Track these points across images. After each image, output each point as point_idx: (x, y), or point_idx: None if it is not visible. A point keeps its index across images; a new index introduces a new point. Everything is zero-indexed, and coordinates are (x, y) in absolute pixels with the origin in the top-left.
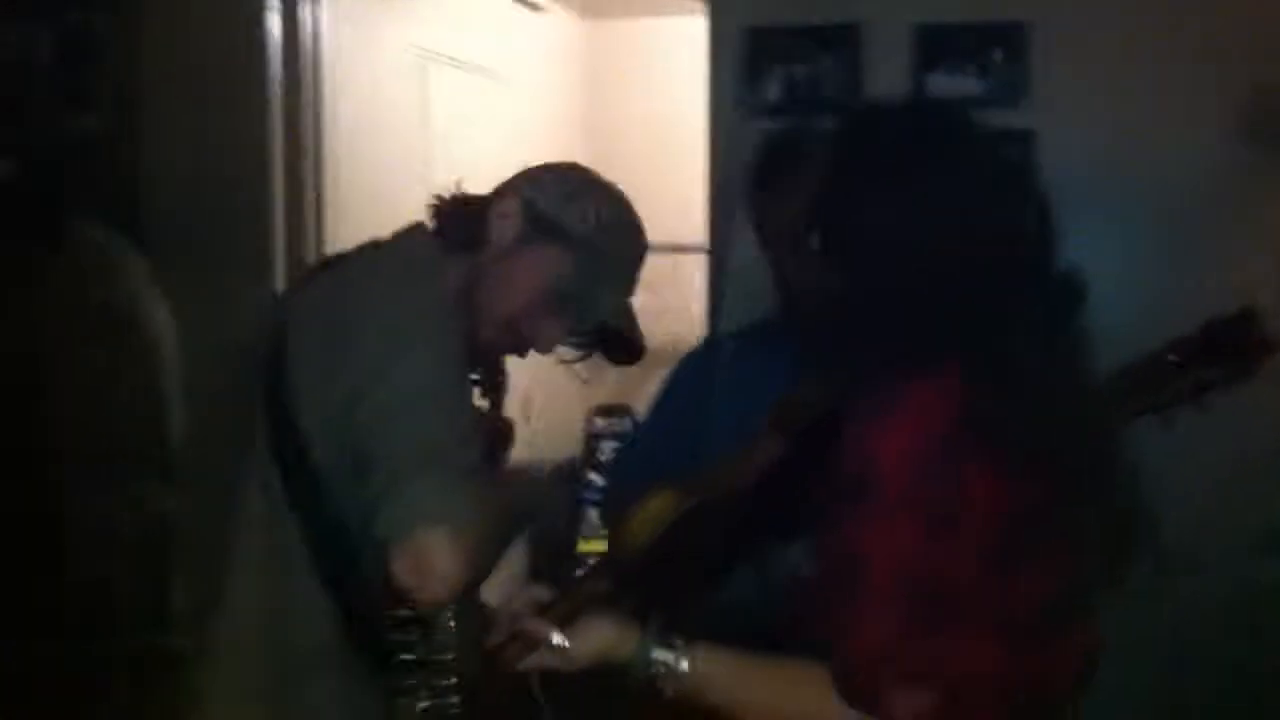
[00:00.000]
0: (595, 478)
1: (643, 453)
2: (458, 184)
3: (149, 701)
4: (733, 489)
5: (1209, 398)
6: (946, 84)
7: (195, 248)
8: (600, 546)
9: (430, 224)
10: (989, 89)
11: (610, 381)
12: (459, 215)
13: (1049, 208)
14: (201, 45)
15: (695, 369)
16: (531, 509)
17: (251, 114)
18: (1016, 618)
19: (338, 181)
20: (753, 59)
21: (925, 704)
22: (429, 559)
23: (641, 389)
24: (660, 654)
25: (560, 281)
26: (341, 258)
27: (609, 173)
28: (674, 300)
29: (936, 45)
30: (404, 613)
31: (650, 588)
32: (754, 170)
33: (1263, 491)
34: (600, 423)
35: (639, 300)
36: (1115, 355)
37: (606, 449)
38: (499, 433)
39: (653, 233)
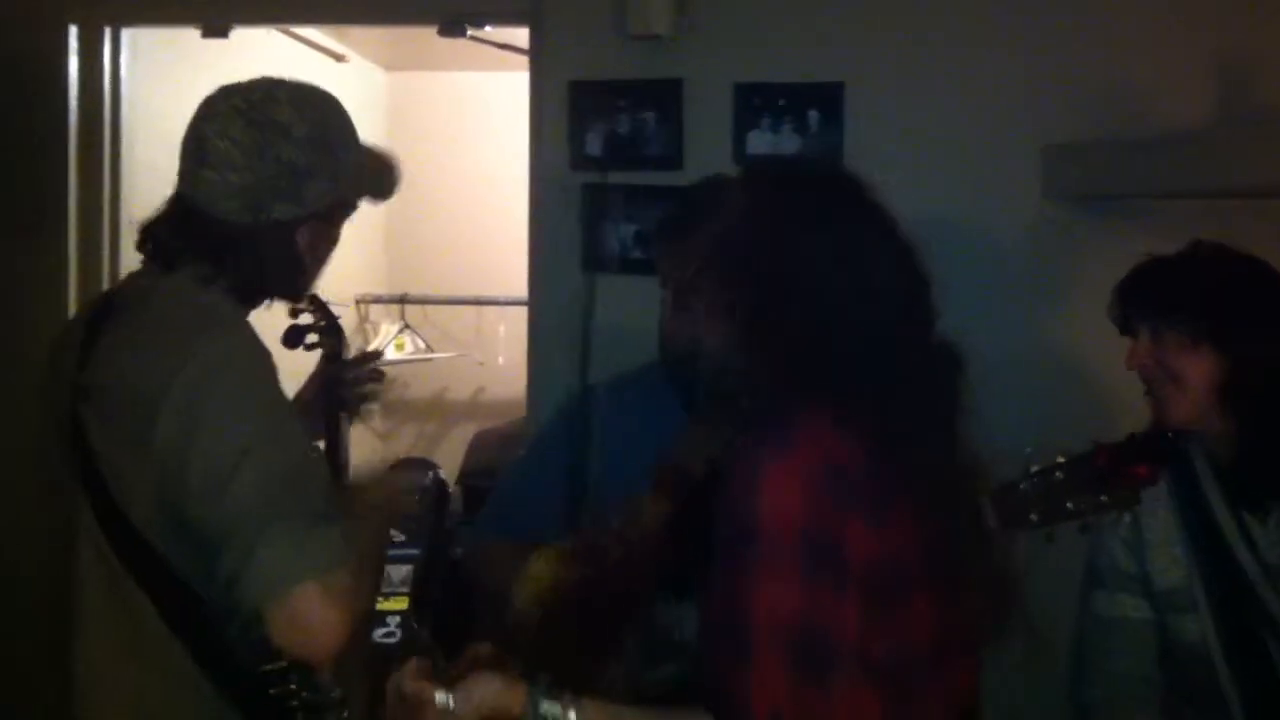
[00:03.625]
0: (394, 534)
1: (519, 505)
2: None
3: None
4: (620, 549)
5: (1094, 521)
6: (766, 141)
7: None
8: (399, 605)
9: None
10: (807, 147)
11: (409, 435)
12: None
13: (928, 273)
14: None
15: (568, 423)
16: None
17: (47, 155)
18: (891, 668)
19: (134, 225)
20: (576, 112)
21: None
22: (306, 618)
23: (440, 442)
24: (548, 708)
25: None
26: (115, 314)
27: (412, 223)
28: (479, 353)
29: (756, 104)
30: (278, 665)
31: (539, 650)
32: (665, 222)
33: None
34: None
35: (444, 353)
36: None
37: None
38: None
39: (457, 286)
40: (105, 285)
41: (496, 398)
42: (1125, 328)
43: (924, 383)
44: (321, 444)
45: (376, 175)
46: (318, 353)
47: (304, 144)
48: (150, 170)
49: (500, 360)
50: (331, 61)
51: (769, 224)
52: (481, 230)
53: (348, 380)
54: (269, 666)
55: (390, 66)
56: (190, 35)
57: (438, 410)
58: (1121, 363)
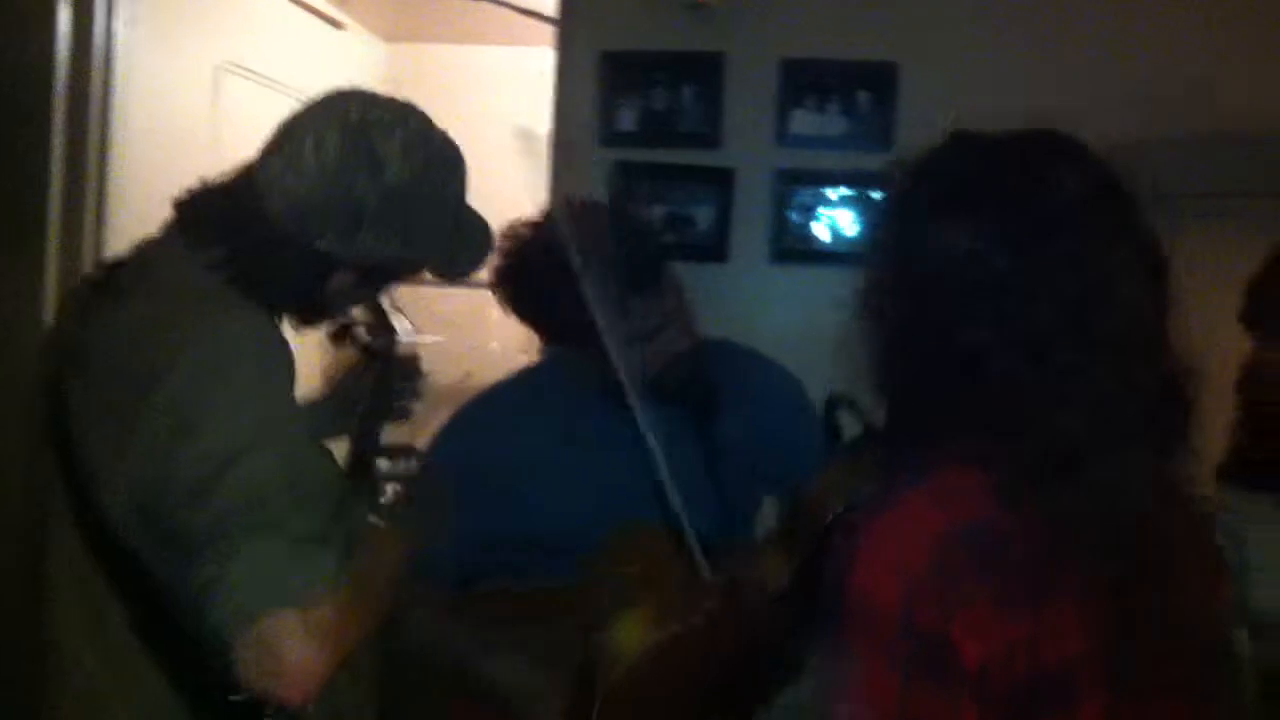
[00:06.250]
0: (375, 520)
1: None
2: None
3: None
4: (731, 610)
5: None
6: (811, 122)
7: None
8: None
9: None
10: (855, 130)
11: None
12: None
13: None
14: None
15: (493, 421)
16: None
17: (34, 117)
18: None
19: (122, 191)
20: (607, 86)
21: None
22: (275, 652)
23: (425, 428)
24: None
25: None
26: (117, 287)
27: None
28: (473, 338)
29: (802, 82)
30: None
31: None
32: None
33: None
34: (383, 465)
35: (433, 337)
36: None
37: (388, 491)
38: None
39: None
40: (88, 255)
41: (484, 384)
42: (1261, 326)
43: (1124, 423)
44: (340, 443)
45: (457, 255)
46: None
47: (385, 190)
48: (144, 138)
49: (494, 345)
50: (329, 29)
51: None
52: (481, 210)
53: (396, 385)
54: (241, 696)
55: (390, 37)
56: None
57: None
58: (1219, 379)
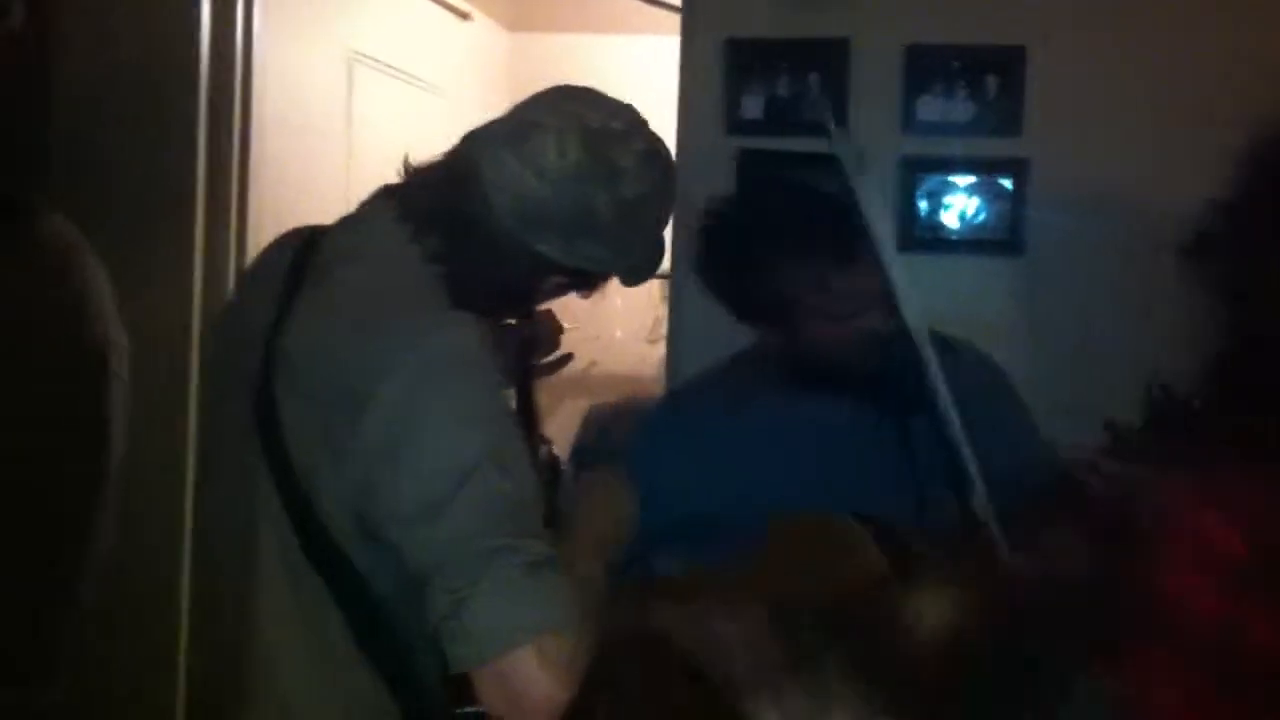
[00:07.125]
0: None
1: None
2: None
3: None
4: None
5: None
6: (937, 108)
7: (110, 251)
8: None
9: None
10: (982, 116)
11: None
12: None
13: None
14: (126, 38)
15: (695, 416)
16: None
17: (178, 110)
18: None
19: (260, 181)
20: (732, 73)
21: None
22: (519, 690)
23: (550, 417)
24: None
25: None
26: (323, 267)
27: None
28: (597, 327)
29: (928, 67)
30: (475, 709)
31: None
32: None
33: None
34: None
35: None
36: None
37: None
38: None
39: None
40: (233, 250)
41: (607, 373)
42: None
43: None
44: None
45: (650, 263)
46: None
47: (619, 203)
48: (280, 128)
49: (617, 334)
50: (455, 19)
51: None
52: None
53: (542, 340)
54: (464, 710)
55: (515, 27)
56: None
57: (547, 384)
58: None
